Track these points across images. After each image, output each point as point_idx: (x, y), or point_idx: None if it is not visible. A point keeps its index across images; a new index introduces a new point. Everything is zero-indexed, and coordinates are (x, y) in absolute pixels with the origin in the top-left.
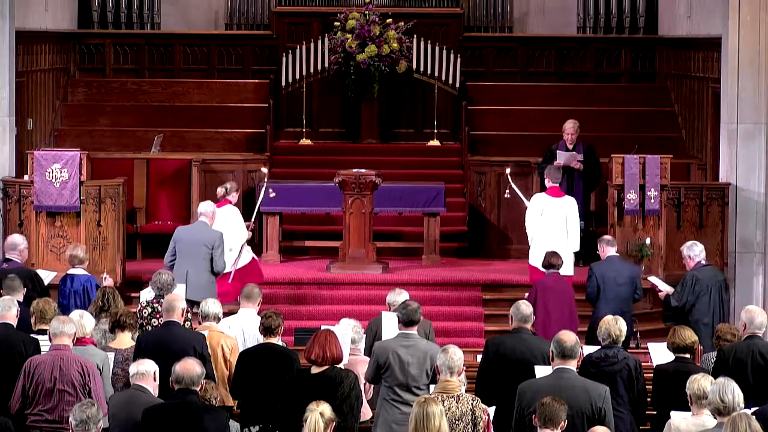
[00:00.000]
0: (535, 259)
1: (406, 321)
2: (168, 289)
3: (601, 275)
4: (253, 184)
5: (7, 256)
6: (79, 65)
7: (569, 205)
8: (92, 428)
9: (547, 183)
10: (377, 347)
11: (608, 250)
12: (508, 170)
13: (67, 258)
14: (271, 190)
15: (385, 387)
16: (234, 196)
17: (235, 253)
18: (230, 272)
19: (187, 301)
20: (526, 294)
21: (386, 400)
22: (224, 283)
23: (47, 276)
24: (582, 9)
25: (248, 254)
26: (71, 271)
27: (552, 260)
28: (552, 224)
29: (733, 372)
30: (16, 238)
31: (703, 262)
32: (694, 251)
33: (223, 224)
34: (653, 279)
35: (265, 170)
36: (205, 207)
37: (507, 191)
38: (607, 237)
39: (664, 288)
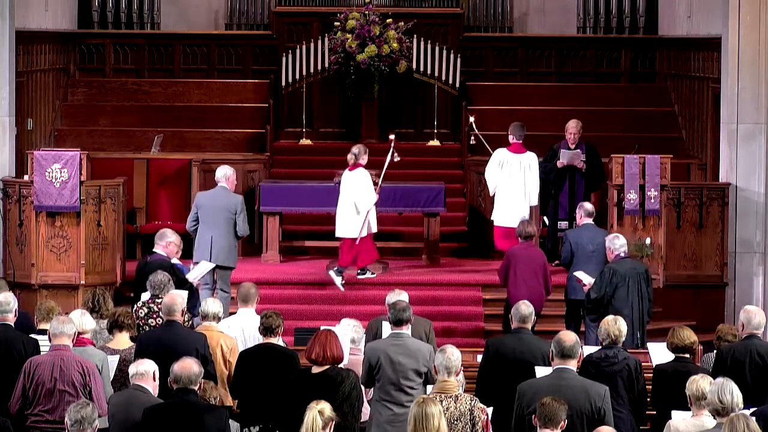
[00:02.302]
0: (498, 217)
1: (395, 320)
2: (163, 288)
3: (574, 241)
4: (253, 183)
5: (154, 249)
6: (79, 65)
7: (530, 160)
8: (87, 428)
9: (511, 140)
10: (368, 349)
11: (585, 218)
12: (471, 118)
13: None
14: (396, 155)
15: (377, 388)
16: (364, 159)
17: (363, 217)
18: (357, 236)
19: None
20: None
21: (378, 401)
22: (351, 246)
23: (204, 269)
24: (582, 9)
25: (372, 224)
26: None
27: (527, 229)
28: (511, 179)
29: (731, 372)
30: (166, 232)
31: (623, 254)
32: (615, 244)
33: (354, 187)
34: (578, 273)
35: (392, 137)
36: (223, 171)
37: (472, 137)
38: (587, 205)
39: (588, 281)
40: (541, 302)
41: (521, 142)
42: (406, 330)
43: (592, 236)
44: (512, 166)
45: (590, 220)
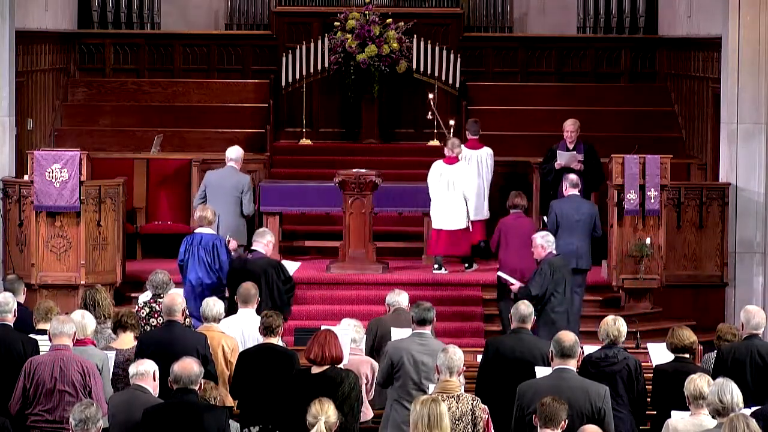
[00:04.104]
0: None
1: (419, 320)
2: (164, 288)
3: (560, 211)
4: (253, 184)
5: (253, 247)
6: (79, 65)
7: (486, 155)
8: (91, 428)
9: (468, 135)
10: (390, 347)
11: (570, 189)
12: (431, 95)
13: (196, 219)
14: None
15: (396, 387)
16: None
17: (472, 204)
18: (468, 226)
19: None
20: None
21: (397, 400)
22: (459, 236)
23: (292, 267)
24: (582, 9)
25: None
26: (198, 230)
27: (516, 200)
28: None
29: (731, 372)
30: (265, 231)
31: (554, 252)
32: (548, 241)
33: (463, 178)
34: (501, 274)
35: (452, 122)
36: (235, 152)
37: (429, 113)
38: (572, 177)
39: (515, 282)
40: (530, 271)
41: (477, 138)
42: (428, 330)
43: (576, 206)
44: (470, 162)
45: (576, 191)
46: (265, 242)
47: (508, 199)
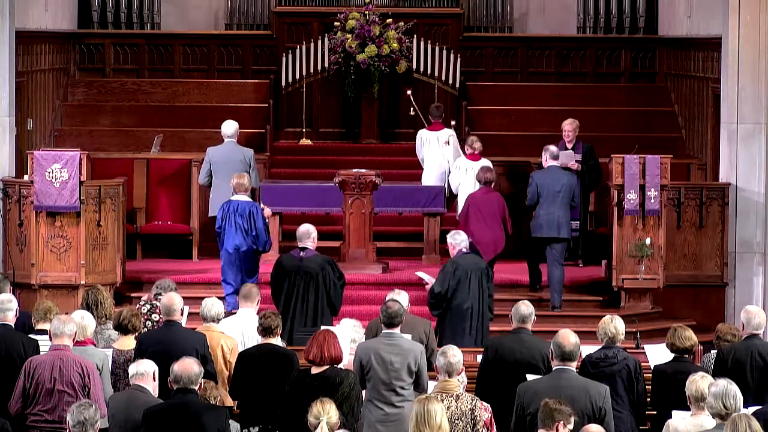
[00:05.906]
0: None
1: (388, 323)
2: (167, 291)
3: (540, 183)
4: None
5: (301, 245)
6: (79, 65)
7: (446, 136)
8: (89, 429)
9: (430, 119)
10: (359, 348)
11: (550, 161)
12: (409, 92)
13: (233, 185)
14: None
15: (369, 387)
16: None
17: None
18: None
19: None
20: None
21: (370, 400)
22: None
23: None
24: (582, 9)
25: None
26: (235, 197)
27: (487, 175)
28: (432, 153)
29: (732, 372)
30: (309, 228)
31: (465, 250)
32: (456, 239)
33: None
34: (420, 273)
35: (453, 123)
36: (231, 127)
37: (411, 110)
38: (552, 148)
39: (430, 280)
40: (501, 243)
41: (440, 121)
42: (397, 330)
43: (557, 177)
44: (431, 143)
45: (556, 163)
46: (311, 240)
47: (476, 174)
